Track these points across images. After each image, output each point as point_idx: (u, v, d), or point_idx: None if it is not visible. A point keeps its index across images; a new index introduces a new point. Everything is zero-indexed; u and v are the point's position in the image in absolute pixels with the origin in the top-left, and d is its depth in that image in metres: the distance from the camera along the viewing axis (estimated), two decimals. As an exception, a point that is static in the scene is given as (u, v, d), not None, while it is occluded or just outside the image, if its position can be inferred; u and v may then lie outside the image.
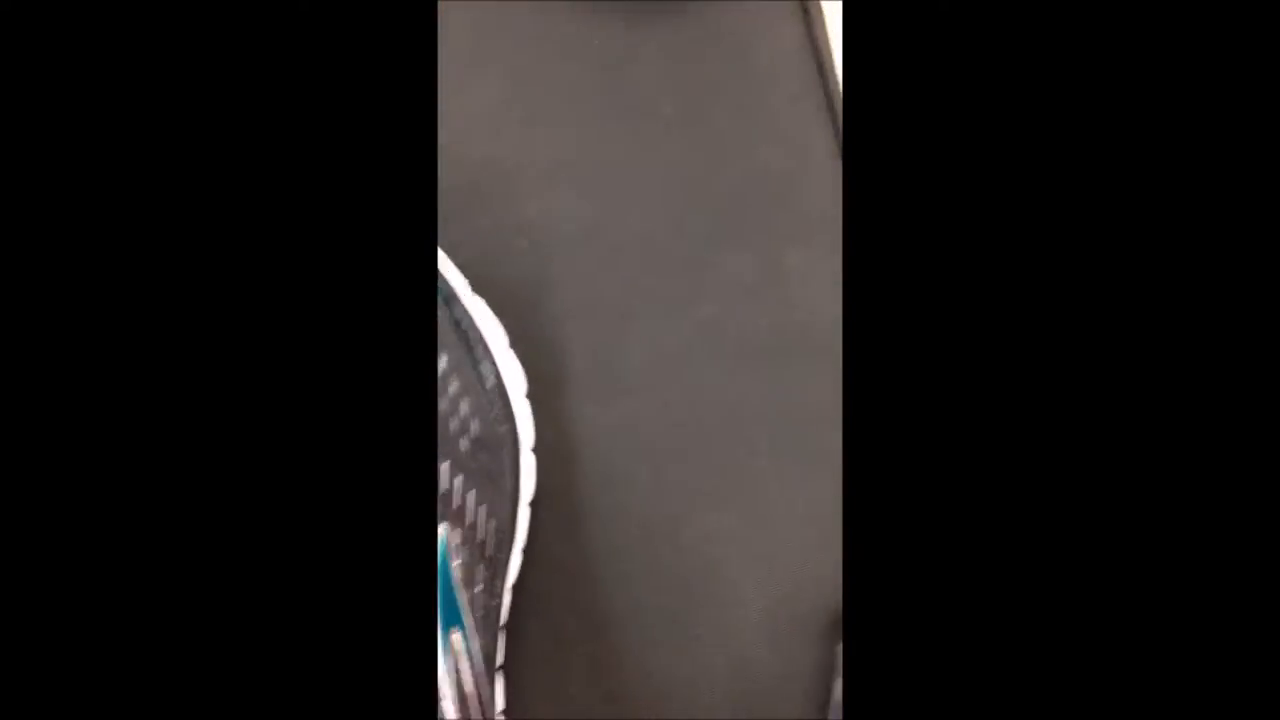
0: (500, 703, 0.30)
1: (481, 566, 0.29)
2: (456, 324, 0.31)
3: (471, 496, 0.30)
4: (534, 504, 0.33)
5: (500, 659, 0.31)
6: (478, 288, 0.33)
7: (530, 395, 0.33)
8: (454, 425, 0.30)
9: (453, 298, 0.32)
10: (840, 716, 0.32)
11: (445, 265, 0.32)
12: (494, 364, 0.32)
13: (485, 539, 0.30)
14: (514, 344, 0.33)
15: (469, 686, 0.27)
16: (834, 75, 0.37)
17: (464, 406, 0.31)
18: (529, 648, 0.33)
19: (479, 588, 0.29)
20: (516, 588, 0.32)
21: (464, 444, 0.30)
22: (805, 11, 0.38)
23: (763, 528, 0.35)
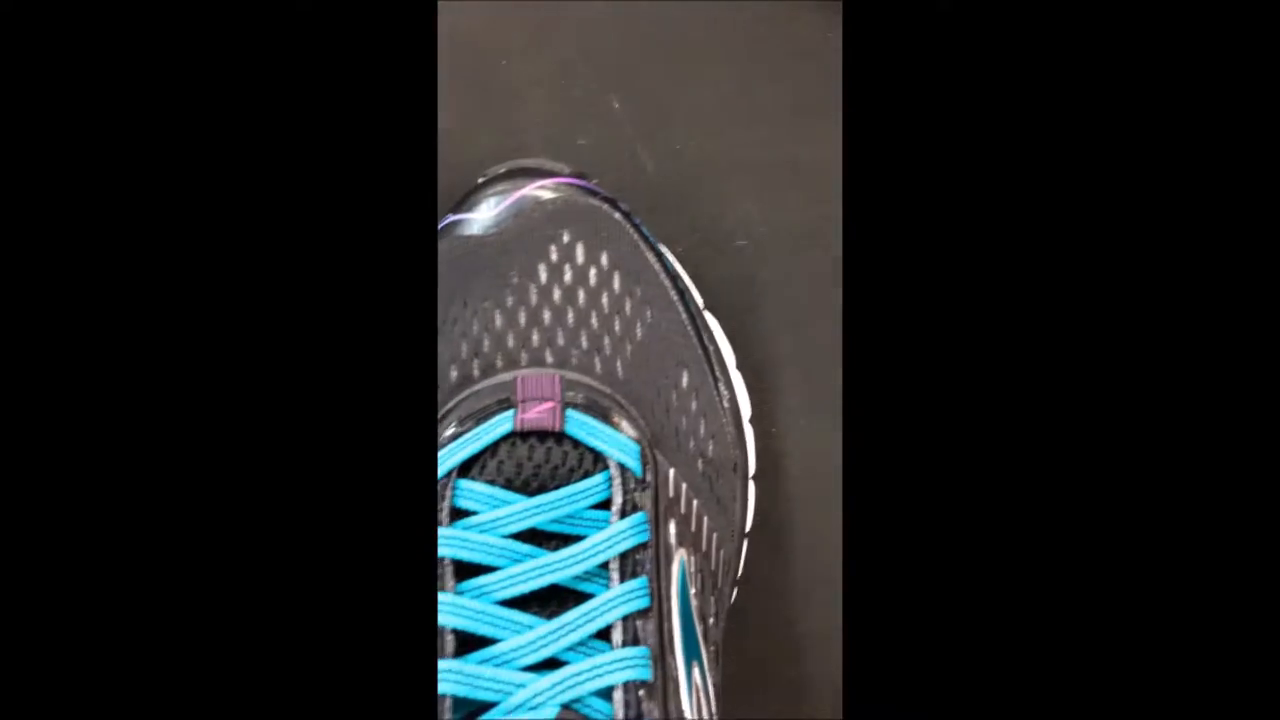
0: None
1: (712, 600, 0.29)
2: (700, 338, 0.30)
3: (706, 523, 0.29)
4: (750, 533, 0.32)
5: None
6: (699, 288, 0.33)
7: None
8: (693, 446, 0.30)
9: (698, 312, 0.31)
10: None
11: (689, 280, 0.32)
12: (730, 385, 0.31)
13: (716, 569, 0.29)
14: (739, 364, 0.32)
15: (708, 724, 0.27)
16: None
17: (702, 427, 0.30)
18: (729, 671, 0.33)
19: (711, 620, 0.29)
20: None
21: (700, 466, 0.29)
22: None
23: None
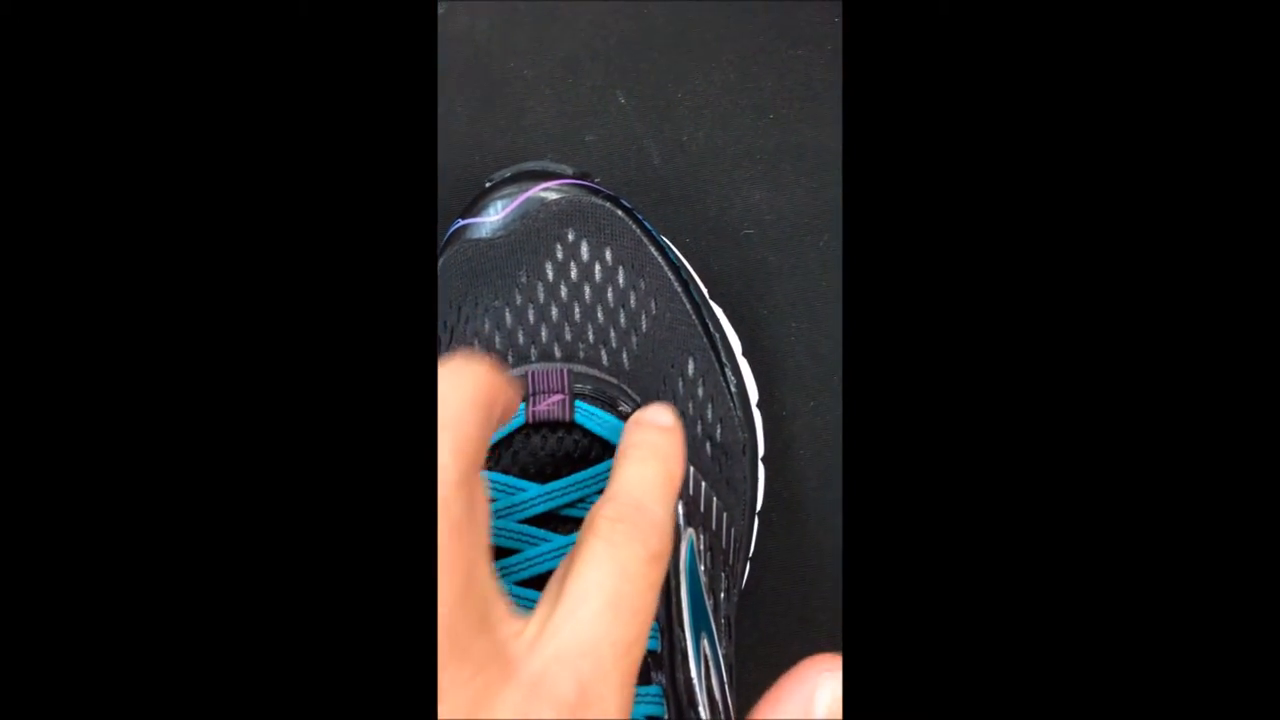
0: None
1: (723, 575, 0.30)
2: (705, 327, 0.32)
3: (715, 503, 0.30)
4: (761, 513, 0.33)
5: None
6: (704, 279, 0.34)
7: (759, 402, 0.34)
8: (700, 430, 0.31)
9: (703, 302, 0.32)
10: None
11: (693, 271, 0.33)
12: (737, 370, 0.32)
13: (727, 547, 0.31)
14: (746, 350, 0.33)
15: (717, 693, 0.28)
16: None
17: (709, 412, 0.31)
18: (743, 643, 0.34)
19: (721, 595, 0.30)
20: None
21: (708, 449, 0.31)
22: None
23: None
